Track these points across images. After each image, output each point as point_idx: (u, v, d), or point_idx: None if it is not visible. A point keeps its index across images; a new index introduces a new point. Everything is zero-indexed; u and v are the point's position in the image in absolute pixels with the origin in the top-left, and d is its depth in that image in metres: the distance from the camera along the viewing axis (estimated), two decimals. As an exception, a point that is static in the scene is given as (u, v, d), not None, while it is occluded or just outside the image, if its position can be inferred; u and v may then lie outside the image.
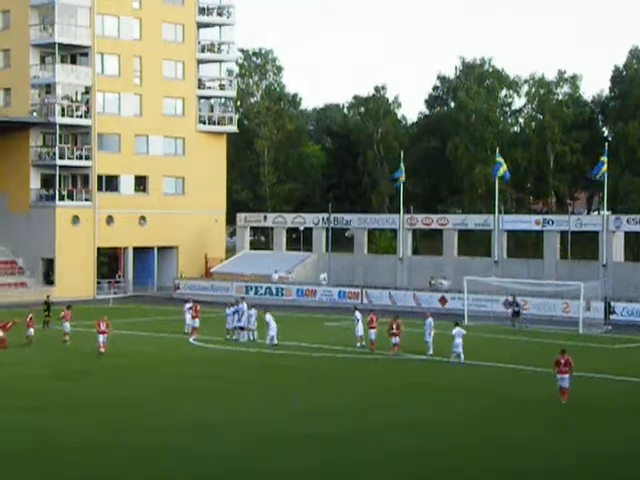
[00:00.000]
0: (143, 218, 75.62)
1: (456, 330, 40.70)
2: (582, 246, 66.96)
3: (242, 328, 46.92)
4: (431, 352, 41.85)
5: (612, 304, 55.16)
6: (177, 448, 25.46)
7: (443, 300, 61.97)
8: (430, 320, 42.55)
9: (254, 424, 28.32)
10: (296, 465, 24.04)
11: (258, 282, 69.94)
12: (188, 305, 49.92)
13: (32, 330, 45.22)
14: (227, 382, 35.65)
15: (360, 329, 44.76)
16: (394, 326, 42.42)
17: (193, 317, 48.90)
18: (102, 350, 42.15)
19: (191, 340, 47.25)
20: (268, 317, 45.96)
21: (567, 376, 30.83)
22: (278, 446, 25.84)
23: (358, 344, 44.62)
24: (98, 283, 73.36)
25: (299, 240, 79.86)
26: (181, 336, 48.45)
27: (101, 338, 42.42)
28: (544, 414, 30.08)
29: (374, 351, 42.97)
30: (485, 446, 26.03)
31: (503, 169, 63.93)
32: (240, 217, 79.32)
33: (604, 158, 61.76)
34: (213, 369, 38.86)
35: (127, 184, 75.15)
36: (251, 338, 46.64)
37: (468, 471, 23.75)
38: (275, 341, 45.38)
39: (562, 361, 30.93)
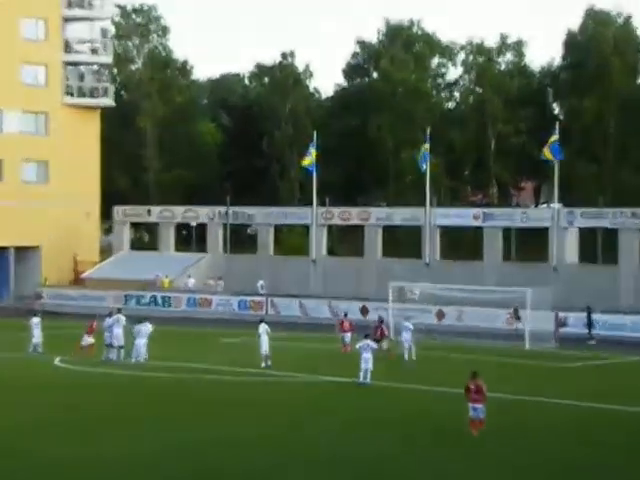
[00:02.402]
0: (-4, 211, 74.60)
1: (362, 343, 40.22)
2: (529, 245, 67.92)
3: (111, 345, 46.99)
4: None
5: (592, 316, 55.39)
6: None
7: (365, 310, 62.13)
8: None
9: (124, 460, 27.71)
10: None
11: (142, 290, 69.73)
12: (36, 320, 50.34)
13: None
14: (97, 411, 35.02)
15: (265, 344, 44.48)
16: (379, 332, 46.84)
17: (88, 333, 48.88)
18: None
19: (57, 362, 46.87)
20: (137, 328, 46.17)
21: (480, 405, 30.14)
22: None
23: (263, 364, 44.40)
24: (-61, 291, 72.07)
25: (190, 238, 79.57)
26: (41, 356, 48.30)
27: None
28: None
29: (348, 352, 46.68)
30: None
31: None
32: (118, 210, 78.88)
33: (555, 137, 62.44)
34: (79, 396, 38.18)
35: (-24, 169, 74.17)
36: (126, 357, 46.44)
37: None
38: (143, 358, 45.81)
39: (472, 387, 30.20)
